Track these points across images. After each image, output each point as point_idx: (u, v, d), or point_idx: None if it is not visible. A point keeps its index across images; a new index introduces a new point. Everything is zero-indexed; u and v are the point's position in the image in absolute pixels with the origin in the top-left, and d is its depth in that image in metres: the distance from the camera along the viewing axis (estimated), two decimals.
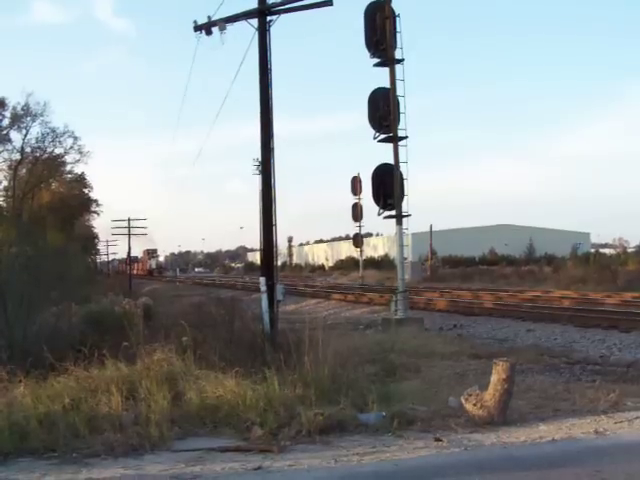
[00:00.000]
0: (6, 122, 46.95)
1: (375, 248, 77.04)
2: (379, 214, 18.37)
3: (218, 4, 12.39)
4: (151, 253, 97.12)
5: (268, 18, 12.15)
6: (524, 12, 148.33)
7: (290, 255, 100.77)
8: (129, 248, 56.68)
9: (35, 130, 47.68)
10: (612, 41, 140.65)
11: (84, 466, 5.55)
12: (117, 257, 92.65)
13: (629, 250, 57.93)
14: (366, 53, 17.88)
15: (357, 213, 49.07)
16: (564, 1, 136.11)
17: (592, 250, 58.82)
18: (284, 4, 12.15)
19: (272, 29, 12.16)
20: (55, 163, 51.33)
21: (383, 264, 61.20)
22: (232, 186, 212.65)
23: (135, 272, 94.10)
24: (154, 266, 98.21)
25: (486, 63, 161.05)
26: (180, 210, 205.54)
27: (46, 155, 49.79)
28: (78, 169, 53.07)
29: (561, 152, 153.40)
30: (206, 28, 12.57)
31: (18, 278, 10.90)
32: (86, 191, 57.37)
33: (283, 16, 12.19)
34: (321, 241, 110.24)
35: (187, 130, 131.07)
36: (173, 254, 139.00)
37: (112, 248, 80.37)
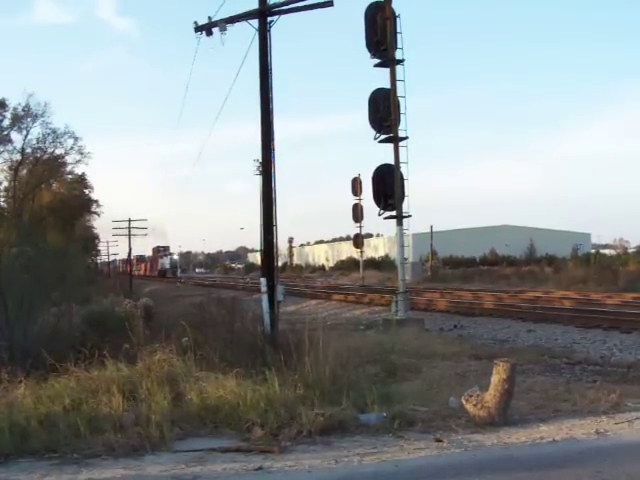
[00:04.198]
0: (7, 123, 46.88)
1: (376, 249, 77.02)
2: (379, 215, 18.36)
3: (219, 5, 12.42)
4: (162, 251, 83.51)
5: (269, 19, 12.15)
6: (524, 14, 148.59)
7: (291, 256, 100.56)
8: (129, 249, 56.76)
9: (36, 131, 47.61)
10: (611, 44, 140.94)
11: (85, 466, 5.56)
12: (120, 257, 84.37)
13: (629, 250, 58.13)
14: (367, 54, 17.85)
15: (357, 214, 48.99)
16: (564, 4, 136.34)
17: (592, 251, 58.81)
18: (285, 5, 12.15)
19: (272, 30, 12.19)
20: (56, 164, 51.24)
21: (384, 265, 61.17)
22: (232, 187, 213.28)
23: (143, 273, 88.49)
24: (167, 266, 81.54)
25: (487, 64, 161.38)
26: (181, 211, 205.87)
27: (47, 156, 49.72)
28: (79, 170, 53.07)
29: (561, 153, 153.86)
30: (207, 29, 12.57)
31: (19, 278, 10.90)
32: (87, 192, 57.36)
33: (284, 17, 12.21)
34: (322, 242, 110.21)
35: (188, 131, 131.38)
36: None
37: (114, 248, 79.19)
